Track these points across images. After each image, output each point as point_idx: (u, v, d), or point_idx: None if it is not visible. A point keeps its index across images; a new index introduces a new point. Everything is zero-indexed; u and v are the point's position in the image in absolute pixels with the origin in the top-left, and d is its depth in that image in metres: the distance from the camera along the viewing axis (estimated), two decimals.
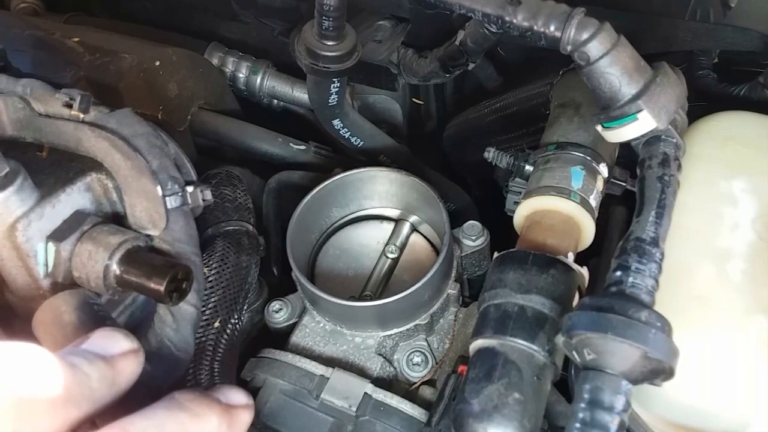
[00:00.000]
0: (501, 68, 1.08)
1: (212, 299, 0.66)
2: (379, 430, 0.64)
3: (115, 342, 0.41)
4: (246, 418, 0.42)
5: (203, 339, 0.64)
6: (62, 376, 0.36)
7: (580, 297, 0.59)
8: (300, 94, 1.05)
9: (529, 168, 0.71)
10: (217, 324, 0.65)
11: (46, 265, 0.57)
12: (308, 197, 0.76)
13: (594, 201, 0.66)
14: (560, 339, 0.47)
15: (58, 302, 0.50)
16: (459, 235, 0.77)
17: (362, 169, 0.79)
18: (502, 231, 0.79)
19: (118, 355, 0.40)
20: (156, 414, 0.38)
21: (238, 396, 0.43)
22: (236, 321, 0.68)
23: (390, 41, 1.01)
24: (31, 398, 0.34)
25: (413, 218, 0.82)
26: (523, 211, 0.67)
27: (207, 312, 0.65)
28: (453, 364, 0.71)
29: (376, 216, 0.84)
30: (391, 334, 0.72)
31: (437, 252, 0.79)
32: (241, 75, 1.07)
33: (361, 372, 0.69)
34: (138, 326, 0.61)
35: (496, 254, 0.62)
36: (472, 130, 1.05)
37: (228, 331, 0.66)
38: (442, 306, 0.74)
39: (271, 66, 1.08)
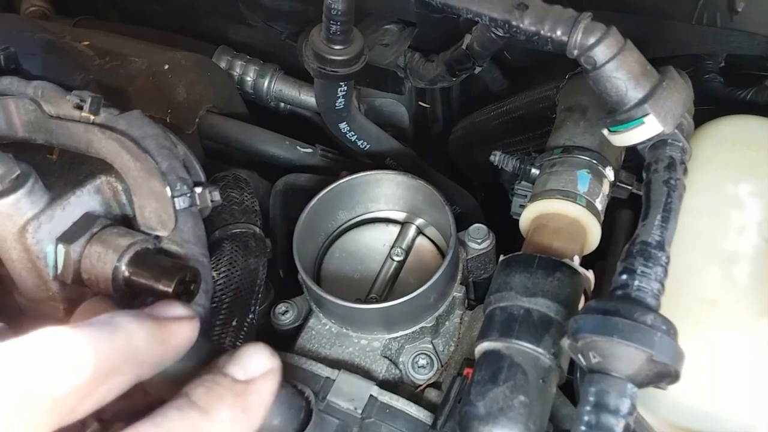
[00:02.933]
0: (507, 72, 1.09)
1: (225, 301, 0.67)
2: None
3: (171, 309, 0.42)
4: (266, 387, 0.41)
5: (223, 335, 0.65)
6: (91, 355, 0.34)
7: (586, 300, 0.59)
8: (307, 97, 1.06)
9: (535, 171, 0.71)
10: (234, 323, 0.66)
11: (56, 266, 0.57)
12: (315, 200, 0.76)
13: (600, 204, 0.66)
14: (566, 342, 0.47)
15: (94, 304, 0.51)
16: (465, 238, 0.77)
17: (369, 172, 0.79)
18: (507, 234, 0.79)
19: (172, 318, 0.41)
20: (167, 418, 0.38)
21: (256, 364, 0.41)
22: (251, 320, 0.69)
23: (397, 45, 1.01)
24: (61, 393, 0.33)
25: (419, 221, 0.82)
26: (529, 214, 0.67)
27: (222, 312, 0.66)
28: (458, 367, 0.71)
29: (382, 219, 0.84)
30: (397, 337, 0.72)
31: (443, 255, 0.79)
32: (248, 78, 1.07)
33: (366, 374, 0.69)
34: None
35: (501, 257, 0.62)
36: (479, 133, 1.05)
37: (245, 329, 0.67)
38: (448, 309, 0.74)
39: (279, 69, 1.08)
